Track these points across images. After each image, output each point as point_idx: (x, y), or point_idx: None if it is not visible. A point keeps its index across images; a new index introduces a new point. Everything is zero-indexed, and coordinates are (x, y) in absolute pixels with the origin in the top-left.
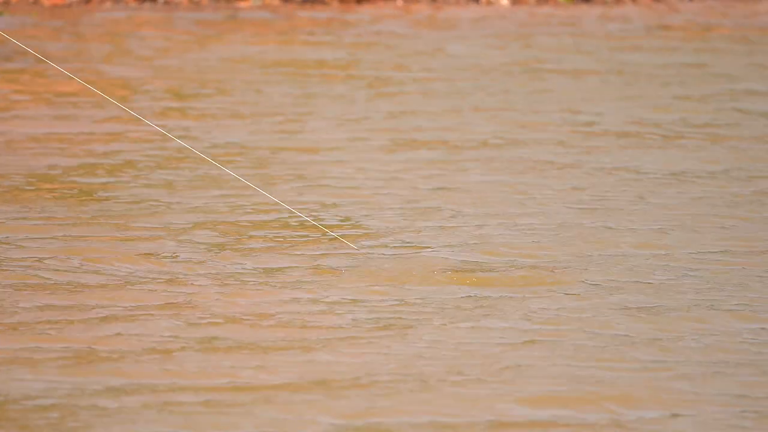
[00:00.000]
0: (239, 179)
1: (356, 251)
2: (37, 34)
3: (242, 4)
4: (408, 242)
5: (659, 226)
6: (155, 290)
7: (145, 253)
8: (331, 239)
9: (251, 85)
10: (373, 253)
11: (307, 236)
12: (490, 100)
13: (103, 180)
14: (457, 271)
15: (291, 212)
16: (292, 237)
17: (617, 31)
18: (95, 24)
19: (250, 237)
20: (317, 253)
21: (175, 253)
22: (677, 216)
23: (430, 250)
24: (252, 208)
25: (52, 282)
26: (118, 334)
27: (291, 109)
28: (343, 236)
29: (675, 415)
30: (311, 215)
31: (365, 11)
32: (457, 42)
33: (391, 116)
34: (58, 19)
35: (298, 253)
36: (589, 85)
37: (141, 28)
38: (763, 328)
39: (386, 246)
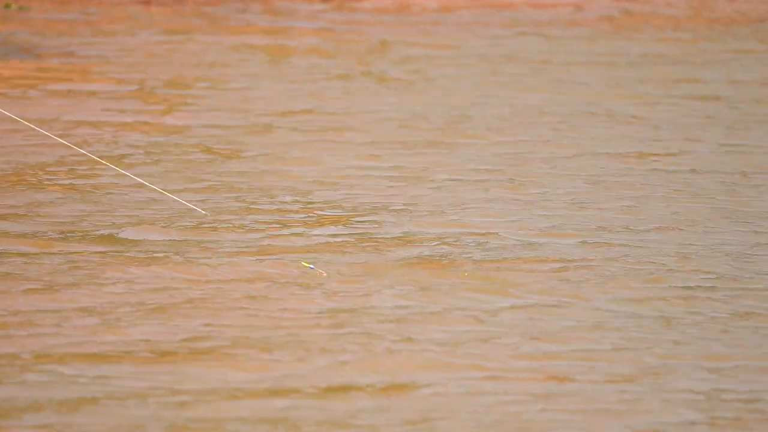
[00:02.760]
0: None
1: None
2: (45, 28)
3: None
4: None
5: None
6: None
7: None
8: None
9: (255, 77)
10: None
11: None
12: (466, 89)
13: None
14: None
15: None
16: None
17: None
18: (101, 17)
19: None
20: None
21: None
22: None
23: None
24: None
25: None
26: None
27: (290, 101)
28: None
29: None
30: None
31: (367, 5)
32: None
33: (391, 108)
34: (65, 13)
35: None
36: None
37: (149, 22)
38: None
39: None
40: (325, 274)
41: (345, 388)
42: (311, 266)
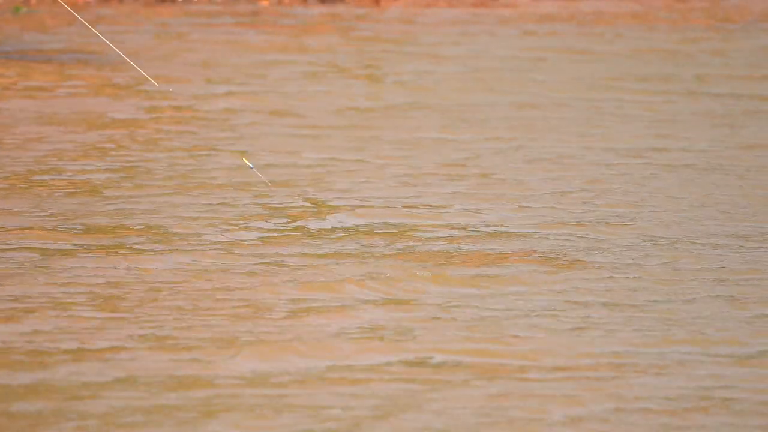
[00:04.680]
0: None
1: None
2: (48, 28)
3: (262, 3)
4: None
5: None
6: None
7: None
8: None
9: (260, 75)
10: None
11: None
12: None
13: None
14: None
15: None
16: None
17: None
18: (112, 20)
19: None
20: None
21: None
22: None
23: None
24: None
25: None
26: None
27: (295, 97)
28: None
29: None
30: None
31: (384, 9)
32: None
33: (391, 105)
34: (75, 16)
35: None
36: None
37: (160, 24)
38: None
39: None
40: (270, 184)
41: None
42: (251, 165)
